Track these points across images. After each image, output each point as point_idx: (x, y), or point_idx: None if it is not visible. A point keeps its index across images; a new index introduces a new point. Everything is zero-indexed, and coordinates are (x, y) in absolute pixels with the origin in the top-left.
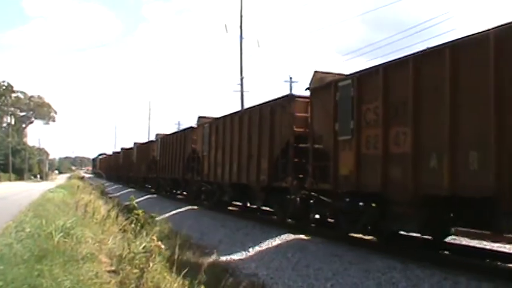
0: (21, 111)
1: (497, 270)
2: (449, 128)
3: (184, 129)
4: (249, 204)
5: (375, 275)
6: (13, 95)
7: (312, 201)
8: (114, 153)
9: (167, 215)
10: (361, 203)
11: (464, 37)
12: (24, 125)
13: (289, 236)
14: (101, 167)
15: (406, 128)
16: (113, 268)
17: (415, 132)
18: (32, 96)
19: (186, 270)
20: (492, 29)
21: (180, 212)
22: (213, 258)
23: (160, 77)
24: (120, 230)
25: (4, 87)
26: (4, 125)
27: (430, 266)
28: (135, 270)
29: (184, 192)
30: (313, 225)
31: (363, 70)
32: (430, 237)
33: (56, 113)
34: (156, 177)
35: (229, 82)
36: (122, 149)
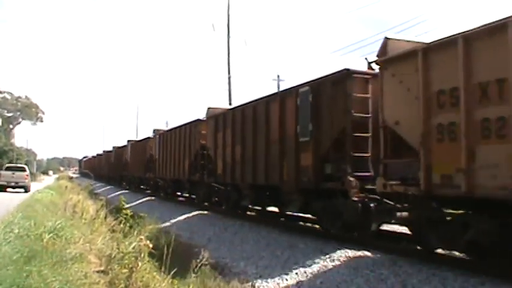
0: (8, 112)
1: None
2: None
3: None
4: None
5: (364, 272)
6: (0, 95)
7: None
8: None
9: None
10: None
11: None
12: (11, 126)
13: None
14: (85, 168)
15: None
16: (102, 268)
17: None
18: (19, 97)
19: (175, 270)
20: None
21: None
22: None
23: (148, 77)
24: (109, 230)
25: None
26: None
27: (418, 262)
28: (124, 270)
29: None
30: None
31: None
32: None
33: (43, 113)
34: (205, 182)
35: (218, 81)
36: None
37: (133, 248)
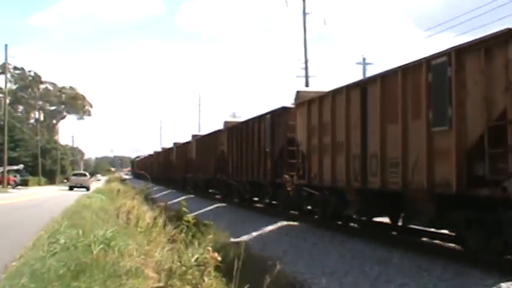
0: (51, 105)
1: None
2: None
3: None
4: None
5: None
6: (41, 86)
7: None
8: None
9: None
10: None
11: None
12: (54, 121)
13: None
14: (139, 168)
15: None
16: (161, 284)
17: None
18: (63, 88)
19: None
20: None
21: None
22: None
23: (211, 64)
24: (169, 240)
25: (30, 78)
26: (32, 121)
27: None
28: (188, 287)
29: None
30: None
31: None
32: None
33: (91, 106)
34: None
35: (291, 66)
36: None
37: (197, 260)
